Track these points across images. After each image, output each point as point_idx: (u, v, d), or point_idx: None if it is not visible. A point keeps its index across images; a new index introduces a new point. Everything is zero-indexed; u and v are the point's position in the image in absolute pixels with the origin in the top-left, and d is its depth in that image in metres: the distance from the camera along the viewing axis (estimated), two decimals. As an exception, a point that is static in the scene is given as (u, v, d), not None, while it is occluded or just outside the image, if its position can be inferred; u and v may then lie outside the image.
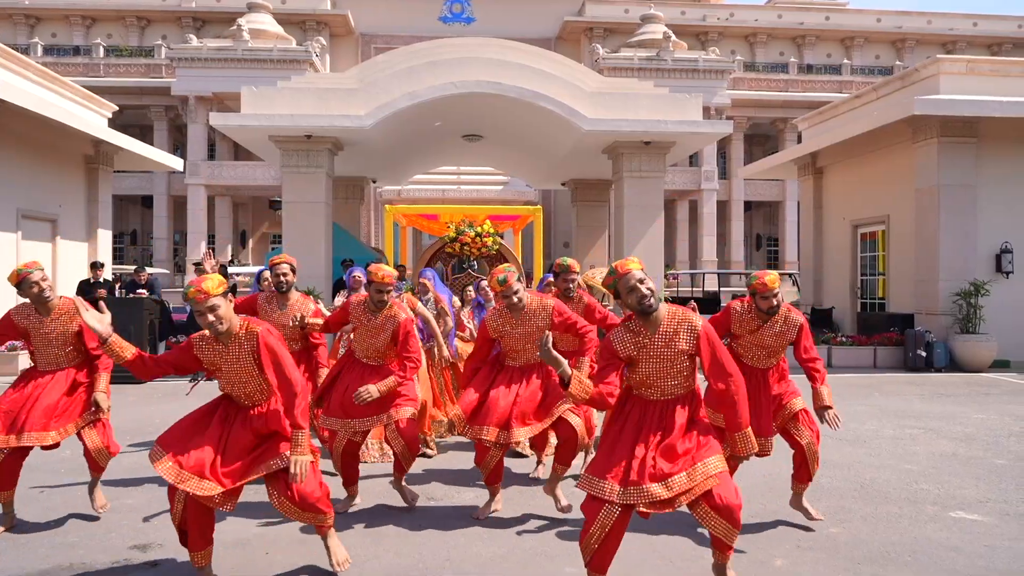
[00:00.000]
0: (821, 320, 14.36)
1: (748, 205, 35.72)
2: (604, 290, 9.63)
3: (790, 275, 19.98)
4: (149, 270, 12.75)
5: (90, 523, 4.37)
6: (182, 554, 3.70)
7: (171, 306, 12.01)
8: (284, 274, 5.12)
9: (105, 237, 14.62)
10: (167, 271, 28.12)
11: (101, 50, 31.29)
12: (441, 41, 11.89)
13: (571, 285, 5.18)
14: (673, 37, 31.62)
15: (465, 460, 5.81)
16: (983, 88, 12.06)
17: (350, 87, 11.07)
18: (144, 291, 10.74)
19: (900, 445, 6.45)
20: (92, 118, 14.12)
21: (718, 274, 25.31)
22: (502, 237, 9.21)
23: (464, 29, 32.84)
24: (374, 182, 16.64)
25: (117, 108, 15.71)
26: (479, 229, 8.41)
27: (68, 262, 13.57)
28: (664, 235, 12.12)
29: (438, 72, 10.96)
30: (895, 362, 12.02)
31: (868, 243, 14.69)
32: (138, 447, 6.33)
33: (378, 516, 4.52)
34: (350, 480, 4.60)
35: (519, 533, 4.22)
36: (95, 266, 10.55)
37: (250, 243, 34.70)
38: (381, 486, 5.15)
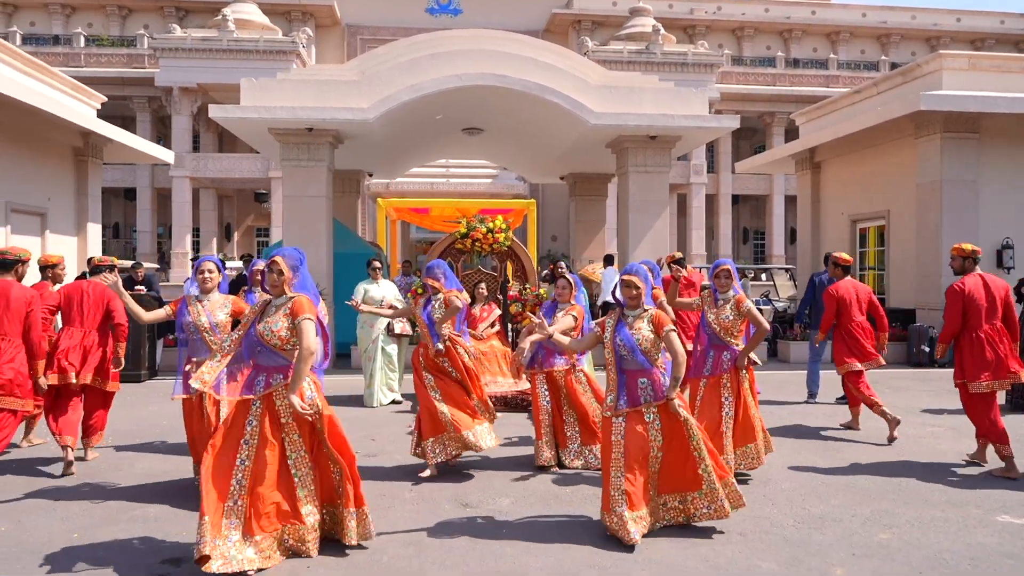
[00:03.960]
0: (820, 315, 14.33)
1: (735, 199, 35.79)
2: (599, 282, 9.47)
3: (787, 270, 19.99)
4: (147, 265, 12.47)
5: (114, 534, 4.18)
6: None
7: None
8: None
9: (95, 231, 14.27)
10: (157, 266, 27.73)
11: (82, 40, 30.62)
12: (442, 33, 11.70)
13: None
14: (662, 30, 31.52)
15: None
16: (985, 84, 12.07)
17: (351, 79, 10.85)
18: (142, 287, 10.48)
19: (925, 444, 6.41)
20: (82, 109, 13.76)
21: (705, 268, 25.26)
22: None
23: (451, 21, 32.49)
24: (370, 176, 16.40)
25: (105, 98, 15.33)
26: (491, 224, 8.24)
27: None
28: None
29: (440, 64, 10.78)
30: (898, 357, 12.02)
31: (867, 238, 14.71)
32: (143, 449, 6.13)
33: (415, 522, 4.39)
34: None
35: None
36: (92, 261, 10.28)
37: (235, 236, 34.23)
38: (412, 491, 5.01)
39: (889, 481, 5.26)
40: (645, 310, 4.34)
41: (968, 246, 5.93)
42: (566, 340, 4.65)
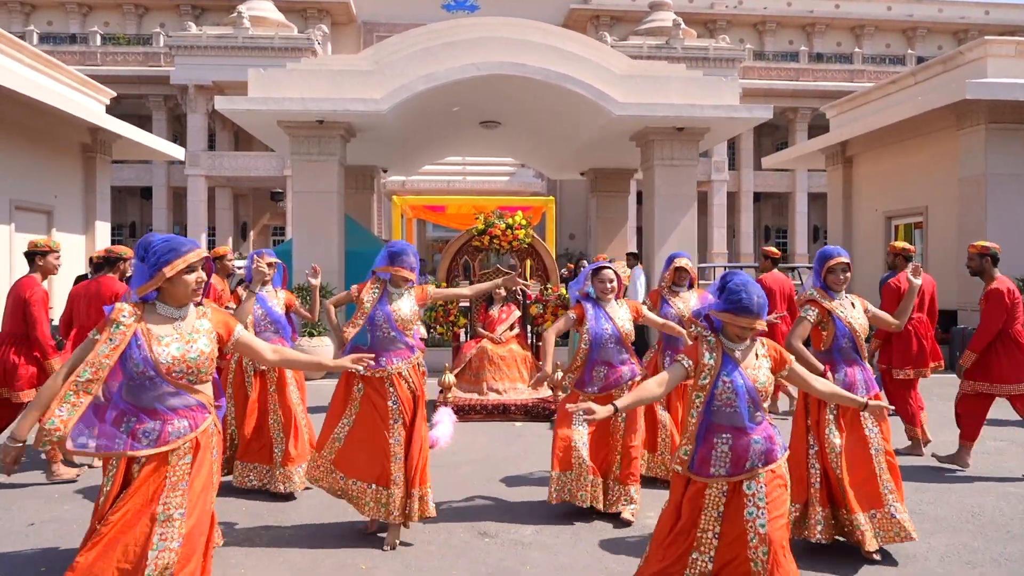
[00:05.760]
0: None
1: (757, 196, 35.04)
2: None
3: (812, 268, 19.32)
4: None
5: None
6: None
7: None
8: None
9: (103, 229, 13.92)
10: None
11: (98, 38, 30.46)
12: (459, 20, 11.21)
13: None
14: (682, 25, 30.87)
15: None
16: (1033, 72, 11.41)
17: (364, 69, 10.38)
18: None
19: (990, 462, 5.82)
20: (90, 104, 13.40)
21: (725, 267, 24.68)
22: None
23: (467, 17, 32.10)
24: (385, 171, 15.94)
25: (115, 94, 14.99)
26: (510, 220, 7.73)
27: (64, 256, 12.87)
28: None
29: (458, 53, 10.28)
30: (940, 362, 11.37)
31: (902, 235, 14.04)
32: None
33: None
34: None
35: None
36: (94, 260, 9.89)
37: (251, 235, 33.98)
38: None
39: (960, 506, 4.70)
40: (754, 340, 2.96)
41: (899, 244, 6.41)
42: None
